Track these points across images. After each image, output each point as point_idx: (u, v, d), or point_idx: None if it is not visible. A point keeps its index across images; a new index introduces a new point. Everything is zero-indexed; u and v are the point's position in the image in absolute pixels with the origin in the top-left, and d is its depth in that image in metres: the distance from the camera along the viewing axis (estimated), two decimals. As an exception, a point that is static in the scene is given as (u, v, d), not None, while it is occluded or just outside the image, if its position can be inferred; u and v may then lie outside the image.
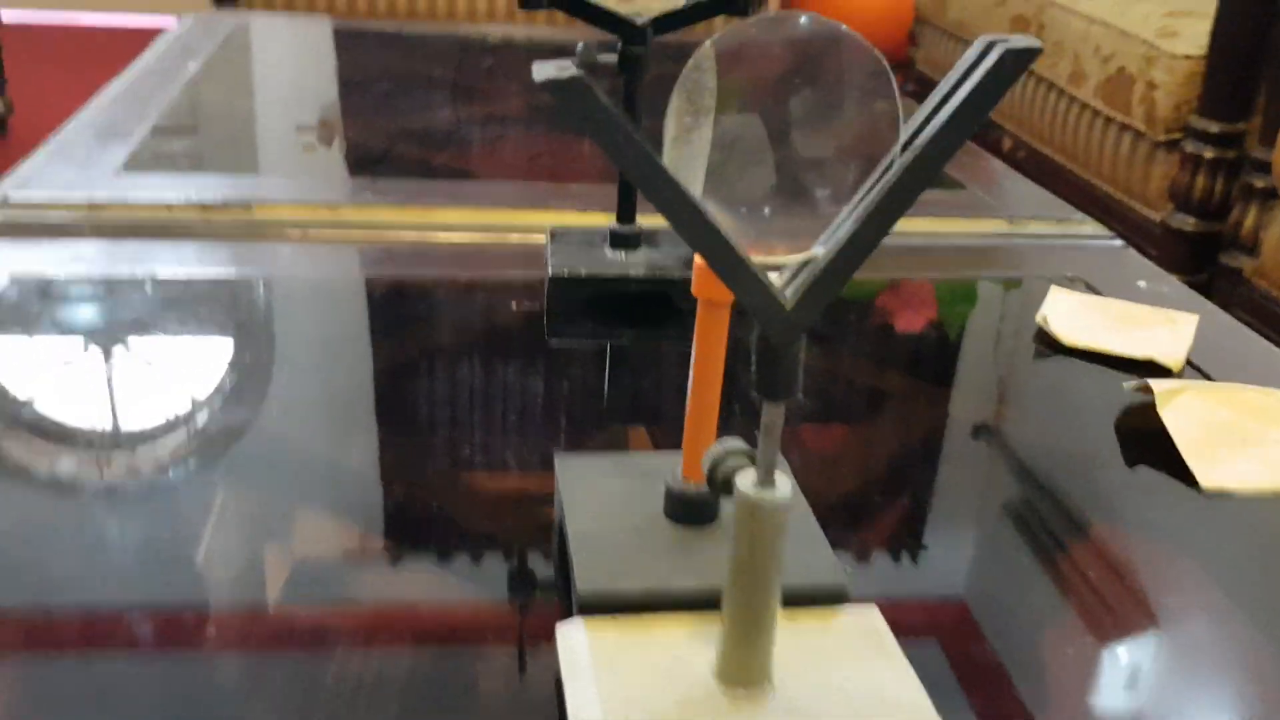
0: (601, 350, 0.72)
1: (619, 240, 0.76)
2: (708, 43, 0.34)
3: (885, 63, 0.35)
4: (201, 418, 0.59)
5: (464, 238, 0.86)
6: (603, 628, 0.43)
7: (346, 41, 1.47)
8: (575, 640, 0.42)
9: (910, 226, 0.93)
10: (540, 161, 1.05)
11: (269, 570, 0.47)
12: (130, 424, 0.58)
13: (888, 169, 0.36)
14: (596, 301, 0.73)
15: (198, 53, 1.28)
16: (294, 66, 1.37)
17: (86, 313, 0.71)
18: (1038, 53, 0.34)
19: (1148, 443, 0.61)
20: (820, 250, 0.36)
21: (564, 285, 0.73)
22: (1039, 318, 0.76)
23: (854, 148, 0.35)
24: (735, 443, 0.43)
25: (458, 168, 1.05)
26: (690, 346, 0.47)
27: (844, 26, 0.35)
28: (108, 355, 0.65)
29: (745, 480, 0.39)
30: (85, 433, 0.57)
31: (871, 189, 0.36)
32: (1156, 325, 0.75)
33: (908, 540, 0.55)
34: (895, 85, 0.34)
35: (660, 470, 0.50)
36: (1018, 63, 0.34)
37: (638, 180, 0.34)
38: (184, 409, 0.59)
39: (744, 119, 0.35)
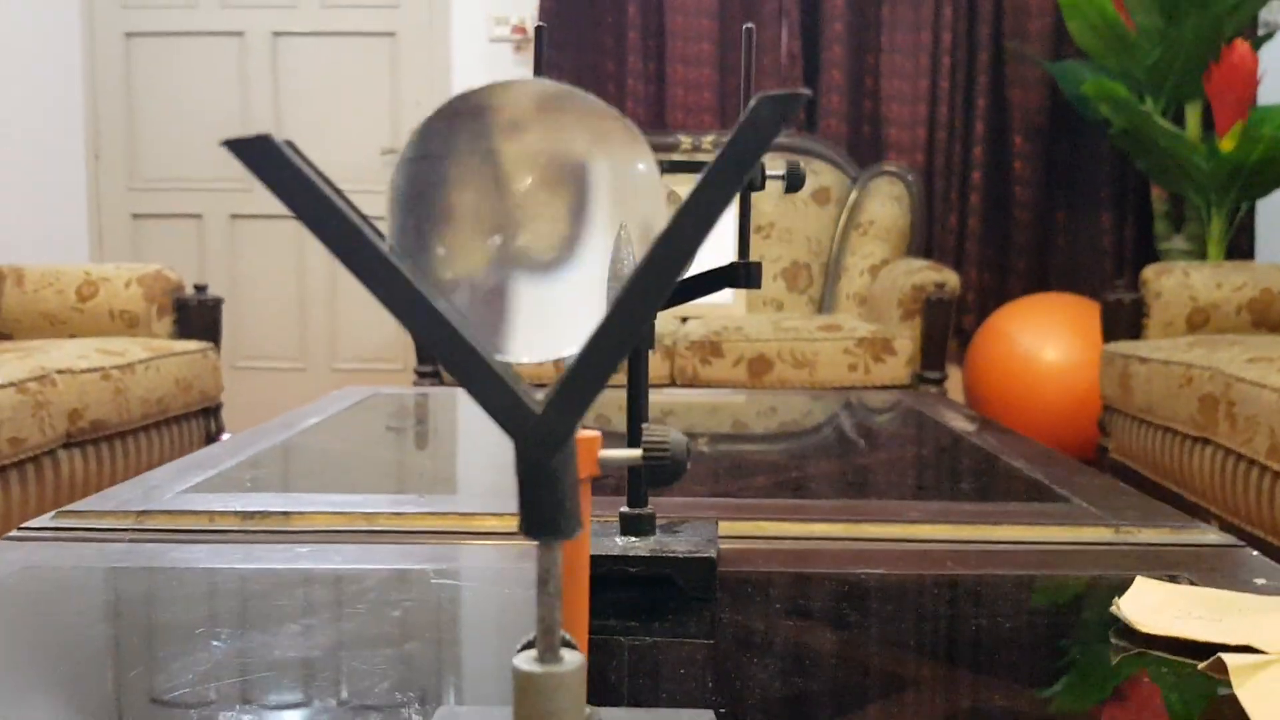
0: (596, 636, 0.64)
1: (629, 525, 0.69)
2: (425, 120, 0.31)
3: (645, 141, 0.31)
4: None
5: (488, 542, 0.81)
6: None
7: (465, 403, 1.52)
8: None
9: (999, 534, 0.83)
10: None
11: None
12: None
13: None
14: (596, 585, 0.66)
15: (323, 413, 1.35)
16: (390, 421, 1.41)
17: (66, 599, 0.69)
18: (799, 98, 0.30)
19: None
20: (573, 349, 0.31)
21: (555, 567, 0.66)
22: (1113, 606, 0.64)
23: (611, 230, 0.30)
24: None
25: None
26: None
27: (588, 95, 0.31)
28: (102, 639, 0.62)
29: (524, 657, 0.32)
30: None
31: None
32: (1259, 613, 0.62)
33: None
34: (656, 164, 0.30)
35: None
36: (774, 109, 0.30)
37: (340, 253, 0.30)
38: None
39: (485, 202, 0.31)
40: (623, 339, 0.30)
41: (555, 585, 0.31)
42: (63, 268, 3.03)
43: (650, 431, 0.42)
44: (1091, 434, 3.13)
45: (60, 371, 2.36)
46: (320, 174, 0.30)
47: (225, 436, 3.03)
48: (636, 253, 0.34)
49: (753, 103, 0.30)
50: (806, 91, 0.30)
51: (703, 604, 0.65)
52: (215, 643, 0.60)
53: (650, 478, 0.41)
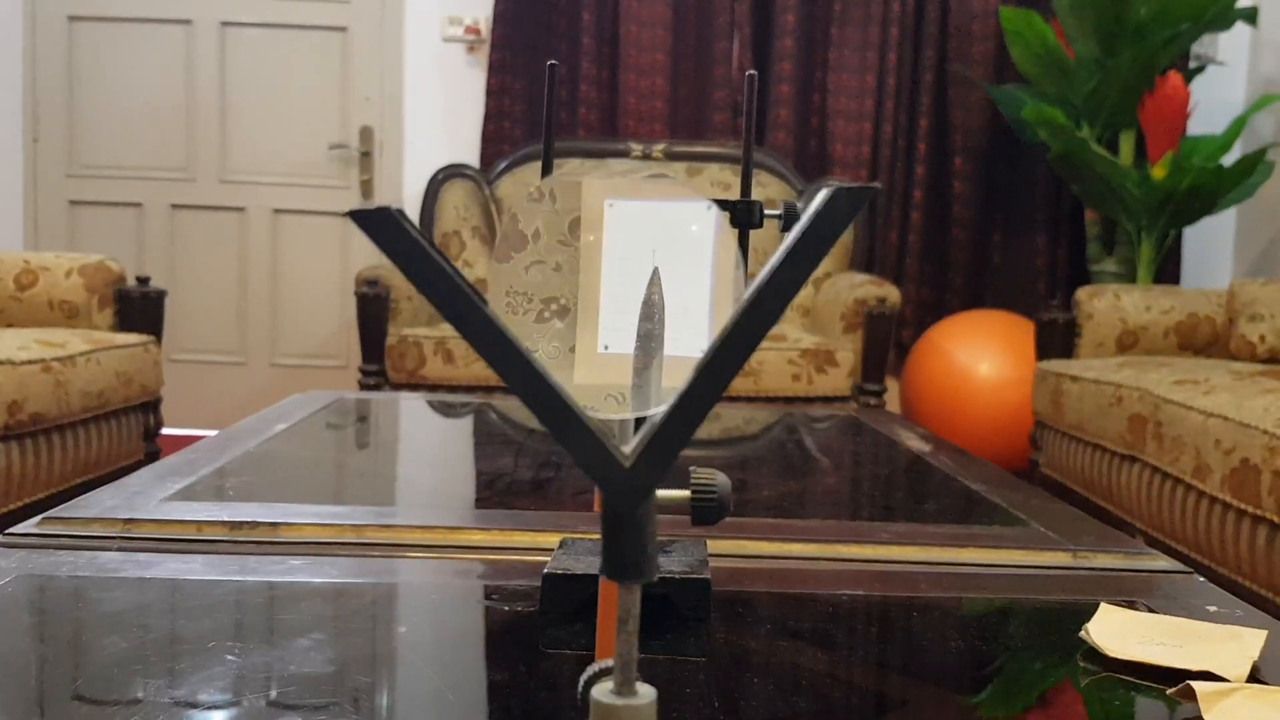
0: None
1: (623, 546, 0.72)
2: (535, 187, 0.34)
3: (725, 217, 0.34)
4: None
5: (486, 556, 0.84)
6: None
7: (432, 410, 1.54)
8: None
9: (965, 556, 0.87)
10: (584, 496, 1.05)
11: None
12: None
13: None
14: (593, 604, 0.69)
15: (290, 418, 1.35)
16: (360, 427, 1.42)
17: (61, 608, 0.70)
18: (870, 191, 0.33)
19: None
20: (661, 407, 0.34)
21: (557, 584, 0.69)
22: (1082, 632, 0.68)
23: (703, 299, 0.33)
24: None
25: (486, 498, 1.05)
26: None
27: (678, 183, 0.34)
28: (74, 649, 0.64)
29: (602, 689, 0.34)
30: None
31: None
32: (1218, 640, 0.66)
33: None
34: (737, 239, 0.33)
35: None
36: (850, 200, 0.33)
37: (449, 316, 0.33)
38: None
39: (582, 268, 0.34)
40: (704, 401, 0.33)
41: (634, 624, 0.34)
42: (0, 255, 2.97)
43: (698, 474, 0.45)
44: (1023, 448, 3.22)
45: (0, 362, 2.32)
46: (431, 243, 0.33)
47: (165, 432, 3.00)
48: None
49: (828, 193, 0.33)
50: (878, 185, 0.33)
51: (698, 623, 0.68)
52: (229, 656, 0.62)
53: (697, 517, 0.44)
